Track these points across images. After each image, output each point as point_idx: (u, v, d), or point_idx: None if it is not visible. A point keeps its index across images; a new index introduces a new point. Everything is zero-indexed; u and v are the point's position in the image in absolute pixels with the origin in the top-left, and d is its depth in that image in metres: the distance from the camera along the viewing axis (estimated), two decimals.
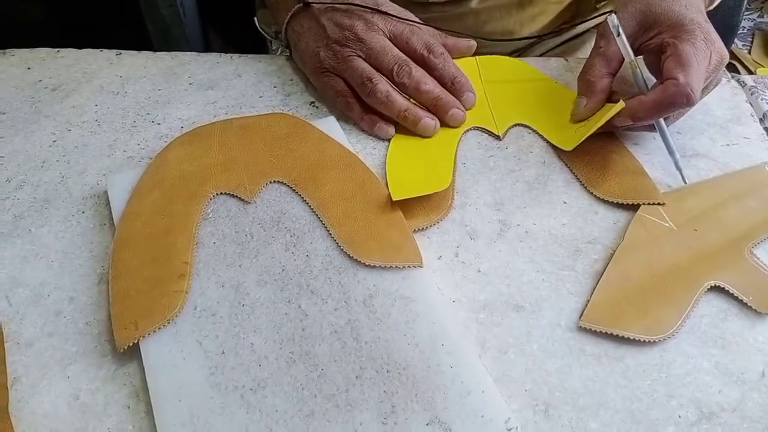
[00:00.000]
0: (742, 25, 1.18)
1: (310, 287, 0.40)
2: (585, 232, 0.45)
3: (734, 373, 0.38)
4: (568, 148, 0.48)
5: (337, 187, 0.46)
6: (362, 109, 0.52)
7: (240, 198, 0.45)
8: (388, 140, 0.51)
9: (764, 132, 0.53)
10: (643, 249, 0.43)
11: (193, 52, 0.60)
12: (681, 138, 0.51)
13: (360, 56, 0.51)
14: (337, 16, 0.52)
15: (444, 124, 0.52)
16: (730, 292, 0.41)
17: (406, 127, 0.51)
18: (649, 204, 0.46)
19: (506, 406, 0.36)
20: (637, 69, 0.48)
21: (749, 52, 1.12)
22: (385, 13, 0.52)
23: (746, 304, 0.41)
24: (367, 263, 0.41)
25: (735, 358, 0.39)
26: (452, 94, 0.52)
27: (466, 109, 0.53)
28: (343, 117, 0.53)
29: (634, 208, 0.46)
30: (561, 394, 0.37)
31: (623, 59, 0.49)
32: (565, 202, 0.47)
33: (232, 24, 0.57)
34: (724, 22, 0.79)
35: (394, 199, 0.45)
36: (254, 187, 0.46)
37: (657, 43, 0.47)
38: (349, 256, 0.42)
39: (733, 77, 0.62)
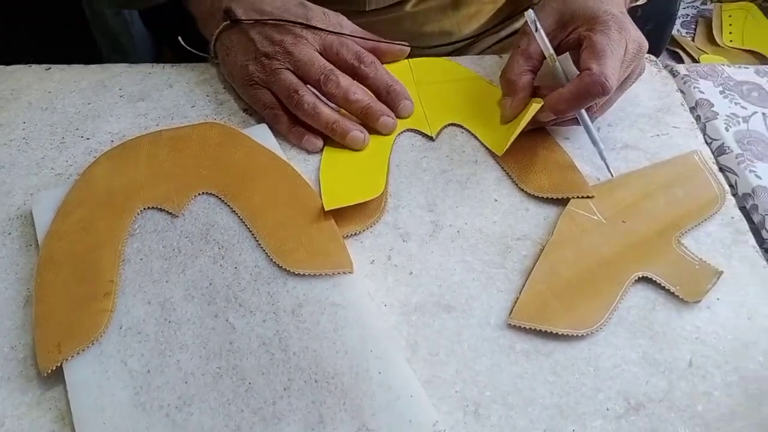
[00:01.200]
0: (685, 12, 1.20)
1: (238, 300, 0.40)
2: (515, 229, 0.45)
3: (662, 363, 0.39)
4: (499, 152, 0.49)
5: (267, 197, 0.45)
6: (290, 122, 0.51)
7: (168, 212, 0.45)
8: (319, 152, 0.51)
9: (694, 121, 0.53)
10: (571, 243, 0.44)
11: (124, 64, 0.59)
12: (611, 130, 0.52)
13: (288, 69, 0.51)
14: (266, 30, 0.52)
15: (375, 132, 0.51)
16: (658, 282, 0.42)
17: None
18: (578, 198, 0.46)
19: (434, 410, 0.36)
20: (556, 63, 0.48)
21: (693, 39, 1.13)
22: (315, 28, 0.52)
23: (674, 293, 0.42)
24: (296, 272, 0.41)
25: (662, 348, 0.40)
26: (388, 104, 0.52)
27: (404, 118, 0.52)
28: None
29: (564, 202, 0.46)
30: (491, 393, 0.37)
31: (544, 55, 0.50)
32: (496, 200, 0.47)
33: (181, 33, 0.56)
34: (662, 11, 0.80)
35: (326, 209, 0.44)
36: (182, 199, 0.45)
37: (575, 38, 0.48)
38: (278, 266, 0.41)
39: (666, 66, 0.63)
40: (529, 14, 0.48)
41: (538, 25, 0.48)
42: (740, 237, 0.45)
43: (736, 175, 0.53)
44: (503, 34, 0.73)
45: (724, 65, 0.63)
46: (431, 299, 0.41)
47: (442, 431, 0.35)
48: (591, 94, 0.44)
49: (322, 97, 0.51)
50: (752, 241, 0.45)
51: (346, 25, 0.54)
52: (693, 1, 1.23)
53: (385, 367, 0.37)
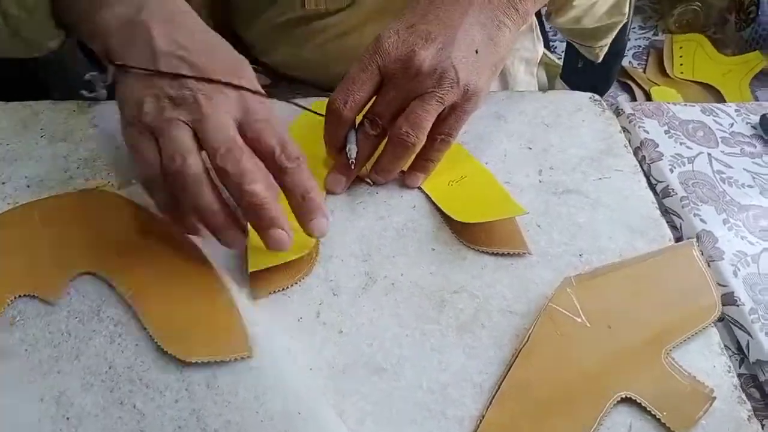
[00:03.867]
0: (637, 43, 1.21)
1: (143, 381, 0.37)
2: (452, 280, 0.43)
3: None
4: (460, 218, 0.46)
5: (152, 274, 0.41)
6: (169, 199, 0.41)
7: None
8: None
9: (637, 164, 0.52)
10: (549, 351, 0.39)
11: (48, 101, 0.56)
12: (553, 173, 0.51)
13: (187, 124, 0.40)
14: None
15: (262, 239, 0.40)
16: (643, 405, 0.38)
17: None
18: (560, 291, 0.41)
19: None
20: None
21: (644, 71, 1.15)
22: (240, 88, 0.41)
23: (660, 420, 0.37)
24: (189, 361, 0.37)
25: None
26: (298, 213, 0.42)
27: (313, 237, 0.42)
28: None
29: (502, 254, 0.45)
30: None
31: None
32: (433, 249, 0.45)
33: None
34: (611, 48, 0.80)
35: (250, 270, 0.41)
36: (57, 284, 0.40)
37: None
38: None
39: (612, 105, 0.63)
40: None
41: None
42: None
43: (680, 218, 0.52)
44: None
45: (670, 104, 0.63)
46: (361, 360, 0.39)
47: None
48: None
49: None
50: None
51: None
52: (645, 32, 1.25)
53: (318, 427, 0.34)
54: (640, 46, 1.21)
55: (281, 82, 0.72)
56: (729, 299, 0.46)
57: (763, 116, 0.61)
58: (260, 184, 0.39)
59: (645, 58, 1.18)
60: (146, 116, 0.40)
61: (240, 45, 0.71)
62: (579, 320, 0.41)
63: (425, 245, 0.45)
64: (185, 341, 0.38)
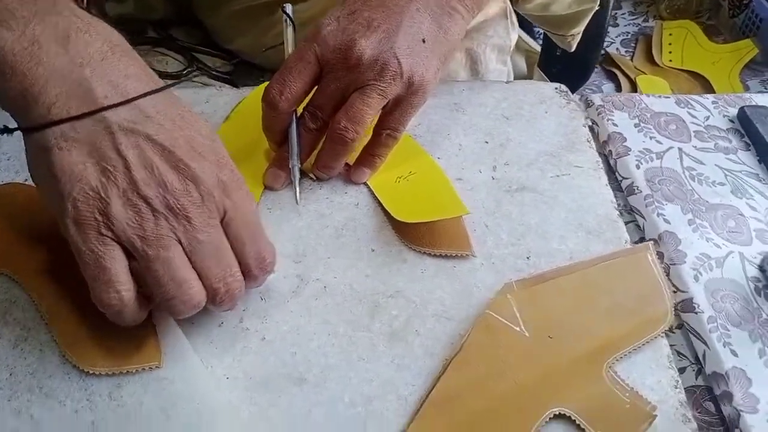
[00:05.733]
0: (626, 30, 1.17)
1: (44, 389, 0.34)
2: (389, 284, 0.41)
3: None
4: (402, 218, 0.43)
5: (63, 275, 0.37)
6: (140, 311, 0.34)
7: None
8: None
9: (600, 160, 0.49)
10: (483, 360, 0.36)
11: None
12: (508, 169, 0.48)
13: (180, 242, 0.32)
14: (154, 149, 0.33)
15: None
16: (578, 423, 0.35)
17: None
18: (498, 298, 0.39)
19: None
20: None
21: (632, 59, 1.10)
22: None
23: None
24: (92, 372, 0.34)
25: None
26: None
27: None
28: None
29: (445, 256, 0.42)
30: None
31: None
32: (373, 250, 0.42)
33: None
34: (588, 32, 0.76)
35: None
36: None
37: None
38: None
39: (582, 96, 0.59)
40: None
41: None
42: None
43: (643, 218, 0.49)
44: None
45: (644, 95, 0.59)
46: (282, 371, 0.37)
47: None
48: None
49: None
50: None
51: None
52: (635, 18, 1.20)
53: None
54: (628, 33, 1.16)
55: (244, 69, 0.69)
56: (688, 306, 0.44)
57: (741, 109, 0.57)
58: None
59: (633, 45, 1.13)
60: (116, 218, 0.31)
61: (202, 31, 0.69)
62: (517, 329, 0.38)
63: (364, 246, 0.43)
64: (90, 349, 0.35)
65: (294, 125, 0.44)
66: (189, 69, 0.65)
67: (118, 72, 0.33)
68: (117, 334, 0.35)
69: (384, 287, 0.40)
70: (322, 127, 0.44)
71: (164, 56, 0.67)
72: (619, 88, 1.02)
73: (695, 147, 0.55)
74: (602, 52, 1.11)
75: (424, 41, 0.42)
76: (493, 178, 0.47)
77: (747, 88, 1.08)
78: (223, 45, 0.68)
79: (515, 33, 0.71)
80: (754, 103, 0.58)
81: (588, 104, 0.58)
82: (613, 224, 0.44)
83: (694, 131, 0.56)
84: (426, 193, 0.45)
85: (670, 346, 0.39)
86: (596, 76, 1.06)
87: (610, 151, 0.55)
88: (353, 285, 0.41)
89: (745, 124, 0.57)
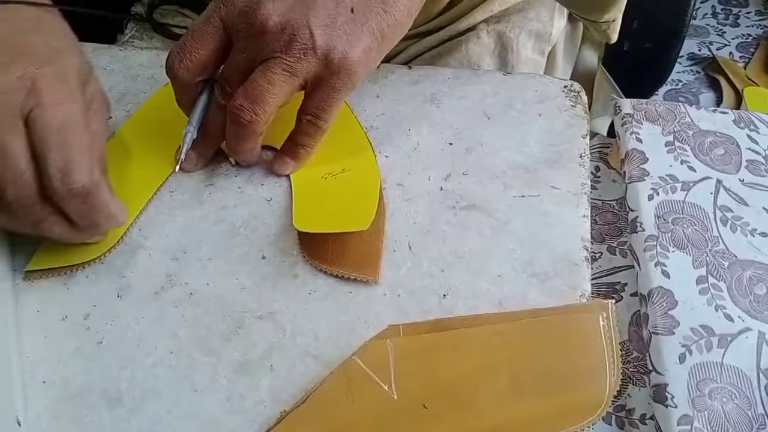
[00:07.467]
0: (747, 31, 0.96)
1: None
2: (264, 302, 0.33)
3: None
4: (298, 226, 0.36)
5: None
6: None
7: None
8: None
9: (586, 183, 0.38)
10: (327, 421, 0.29)
11: None
12: (463, 181, 0.38)
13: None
14: None
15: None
16: None
17: None
18: (374, 339, 0.30)
19: None
20: None
21: (745, 67, 0.90)
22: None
23: None
24: None
25: None
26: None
27: None
28: None
29: (343, 278, 0.34)
30: None
31: None
32: (263, 258, 0.35)
33: None
34: (665, 27, 0.63)
35: (25, 270, 0.35)
36: None
37: None
38: None
39: (612, 100, 0.48)
40: None
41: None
42: None
43: (638, 265, 0.38)
44: (443, 36, 0.59)
45: (693, 107, 0.47)
46: (102, 385, 0.31)
47: None
48: None
49: None
50: None
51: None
52: (761, 20, 0.98)
53: None
54: (749, 36, 0.95)
55: None
56: (659, 395, 0.32)
57: None
58: None
59: (752, 50, 0.93)
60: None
61: None
62: (385, 387, 0.29)
63: (256, 251, 0.36)
64: None
65: (205, 95, 0.38)
66: None
67: None
68: None
69: (257, 305, 0.33)
70: None
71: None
72: (720, 100, 0.85)
73: (741, 181, 0.42)
74: (710, 54, 0.93)
75: (353, 11, 0.34)
76: (442, 189, 0.38)
77: None
78: None
79: (562, 19, 0.60)
80: None
81: (615, 111, 0.47)
82: (573, 268, 0.34)
83: (747, 160, 0.43)
84: (342, 198, 0.37)
85: None
86: (696, 83, 0.88)
87: (625, 173, 0.43)
88: (223, 297, 0.34)
89: None
